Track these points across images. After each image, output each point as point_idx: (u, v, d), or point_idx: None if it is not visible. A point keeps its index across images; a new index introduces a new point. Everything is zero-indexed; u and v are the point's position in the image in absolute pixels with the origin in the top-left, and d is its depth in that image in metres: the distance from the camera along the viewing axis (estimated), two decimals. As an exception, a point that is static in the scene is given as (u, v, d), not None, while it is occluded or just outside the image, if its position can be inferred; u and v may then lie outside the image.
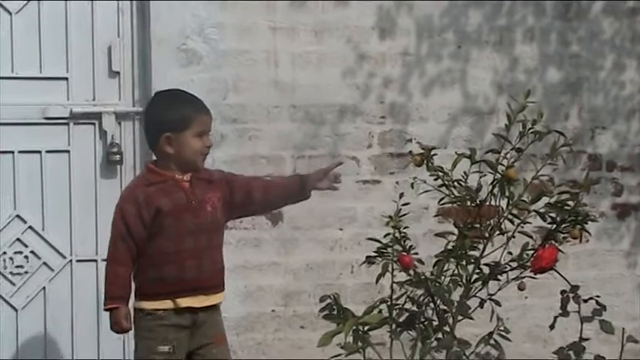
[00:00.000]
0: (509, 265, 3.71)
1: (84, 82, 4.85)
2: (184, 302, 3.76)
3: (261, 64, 4.96)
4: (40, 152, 4.80)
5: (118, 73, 4.87)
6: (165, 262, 3.75)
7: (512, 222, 3.71)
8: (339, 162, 4.10)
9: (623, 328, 3.39)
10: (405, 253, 3.59)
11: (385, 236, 3.67)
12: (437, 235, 3.83)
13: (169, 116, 3.78)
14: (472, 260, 3.70)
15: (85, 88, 4.85)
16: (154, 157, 3.87)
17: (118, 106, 4.87)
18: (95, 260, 4.84)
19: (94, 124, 4.85)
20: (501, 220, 3.69)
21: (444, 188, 3.74)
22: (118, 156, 4.84)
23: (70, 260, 4.86)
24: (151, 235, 3.75)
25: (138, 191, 3.78)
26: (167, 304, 3.76)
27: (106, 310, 3.77)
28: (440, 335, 3.62)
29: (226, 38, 4.90)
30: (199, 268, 3.77)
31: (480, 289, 3.72)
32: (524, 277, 3.69)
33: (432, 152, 3.76)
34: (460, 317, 3.62)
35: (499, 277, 3.72)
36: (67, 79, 4.84)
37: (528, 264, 3.65)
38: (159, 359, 3.76)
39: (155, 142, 3.81)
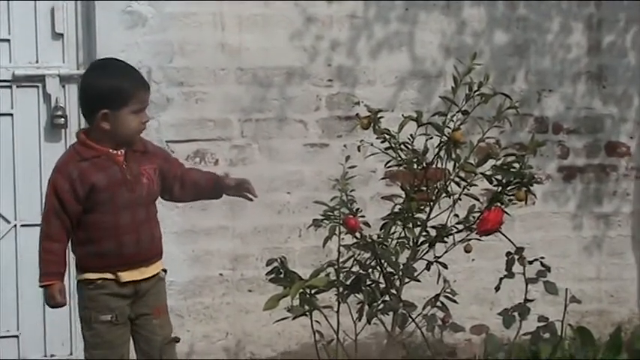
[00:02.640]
0: (456, 228, 3.73)
1: (26, 45, 4.77)
2: (125, 276, 3.73)
3: (207, 27, 4.91)
4: (-18, 115, 4.74)
5: (62, 35, 4.79)
6: (103, 237, 3.70)
7: (458, 185, 3.72)
8: (252, 194, 4.01)
9: (567, 289, 3.42)
10: (351, 216, 3.60)
11: (332, 199, 3.67)
12: (384, 198, 3.83)
13: (106, 93, 3.66)
14: (419, 223, 3.71)
15: (27, 51, 4.78)
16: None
17: (61, 68, 4.80)
18: (39, 225, 4.77)
19: (37, 87, 4.78)
20: (448, 183, 3.71)
21: (390, 151, 3.74)
22: (63, 119, 4.78)
23: (15, 225, 4.80)
24: (87, 210, 3.69)
25: (71, 166, 3.69)
26: (108, 275, 3.73)
27: (41, 286, 3.73)
28: (387, 298, 3.64)
29: (172, 1, 4.84)
30: (138, 242, 3.73)
31: (427, 252, 3.74)
32: (470, 240, 3.71)
33: (379, 115, 3.76)
34: (407, 280, 3.64)
35: (446, 239, 3.74)
36: (8, 40, 4.76)
37: (474, 226, 3.67)
38: (102, 328, 3.73)
39: (91, 116, 3.71)
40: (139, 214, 3.73)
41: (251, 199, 3.89)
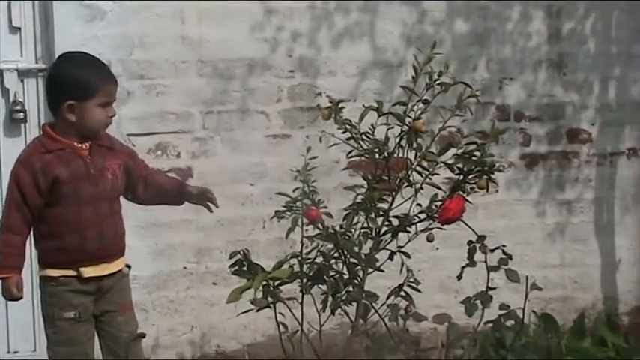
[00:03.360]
0: (418, 217, 3.73)
1: (-16, 39, 4.73)
2: (88, 272, 3.70)
3: (167, 19, 4.87)
4: (-60, 112, 4.69)
5: (19, 29, 4.74)
6: (66, 231, 3.67)
7: (420, 174, 3.73)
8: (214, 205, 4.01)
9: (527, 276, 3.44)
10: (312, 207, 3.59)
11: (294, 191, 3.66)
12: (346, 188, 3.83)
13: (74, 83, 3.65)
14: (381, 213, 3.72)
15: (-16, 45, 4.73)
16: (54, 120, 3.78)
17: (20, 62, 4.75)
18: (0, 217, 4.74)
19: (-5, 81, 4.75)
20: (410, 172, 3.71)
21: (352, 142, 3.74)
22: (22, 114, 4.73)
23: (-25, 221, 4.75)
24: (50, 204, 3.66)
25: (34, 158, 3.66)
26: (71, 272, 3.70)
27: None
28: (350, 288, 3.64)
29: (131, -7, 4.81)
30: (101, 237, 3.71)
31: (390, 242, 3.74)
32: (432, 229, 3.72)
33: (340, 105, 3.76)
34: (370, 270, 3.64)
35: (408, 229, 3.74)
36: (-34, 35, 4.72)
37: (437, 215, 3.68)
38: (65, 325, 3.71)
39: (57, 107, 3.69)
40: (102, 208, 3.70)
41: (211, 211, 3.88)
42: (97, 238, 3.69)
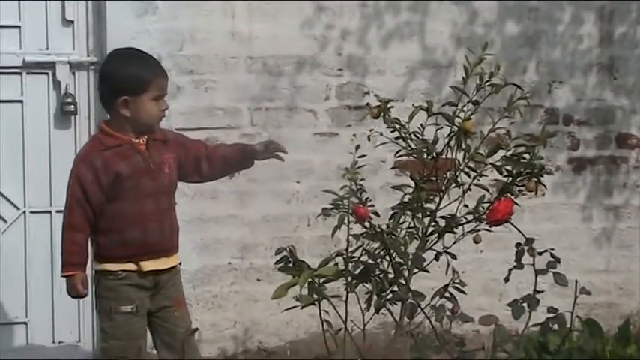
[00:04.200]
0: (465, 218, 3.72)
1: (37, 31, 4.76)
2: (148, 265, 3.75)
3: (217, 15, 4.89)
4: (-8, 102, 4.74)
5: (72, 22, 4.79)
6: (127, 225, 3.72)
7: (468, 175, 3.71)
8: (283, 152, 4.03)
9: (576, 280, 3.41)
10: (360, 206, 3.59)
11: (341, 189, 3.66)
12: (393, 187, 3.82)
13: (126, 79, 3.72)
14: (428, 213, 3.70)
15: (38, 37, 4.77)
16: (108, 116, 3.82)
17: (72, 55, 4.80)
18: (49, 212, 4.79)
19: (47, 73, 4.78)
20: (457, 173, 3.70)
21: (400, 141, 3.73)
22: (72, 106, 4.77)
23: (24, 212, 4.79)
24: (110, 200, 3.72)
25: (94, 156, 3.72)
26: (130, 266, 3.74)
27: (63, 276, 3.76)
28: (395, 288, 3.63)
29: (183, -12, 4.83)
30: (161, 231, 3.76)
31: (436, 242, 3.73)
32: (479, 230, 3.70)
33: (389, 105, 3.75)
34: (415, 270, 3.63)
35: (455, 229, 3.73)
36: (19, 27, 4.75)
37: (484, 217, 3.66)
38: (122, 319, 3.75)
39: (111, 104, 3.75)
40: (161, 202, 3.76)
41: (282, 159, 3.97)
42: (157, 232, 3.73)
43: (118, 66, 3.77)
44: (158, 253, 3.76)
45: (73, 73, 4.80)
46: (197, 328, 3.91)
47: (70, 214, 3.73)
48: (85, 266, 3.74)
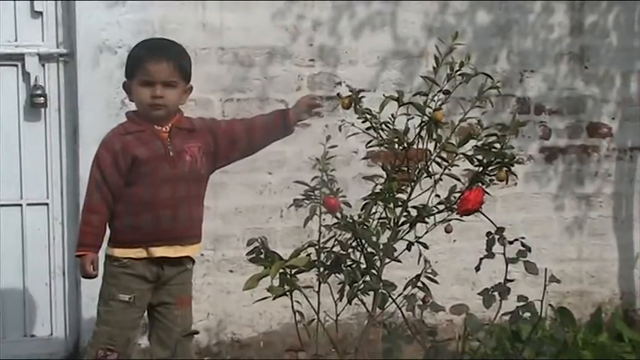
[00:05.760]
0: (437, 208, 3.71)
1: (5, 23, 4.73)
2: (158, 252, 3.76)
3: (188, 6, 4.88)
4: (-40, 94, 4.70)
5: (41, 13, 4.75)
6: (141, 210, 3.74)
7: (439, 165, 3.71)
8: (317, 104, 4.04)
9: (546, 269, 3.41)
10: (331, 196, 3.57)
11: (313, 180, 3.65)
12: (365, 178, 3.81)
13: (126, 64, 3.83)
14: (400, 203, 3.69)
15: (6, 29, 4.74)
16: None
17: (41, 47, 4.77)
18: (20, 205, 4.76)
19: (16, 65, 4.75)
20: (429, 163, 3.69)
21: (372, 131, 3.72)
22: (42, 99, 4.74)
23: (-6, 205, 4.78)
24: (128, 184, 3.74)
25: (115, 140, 3.77)
26: (140, 252, 3.76)
27: (76, 256, 3.80)
28: (367, 278, 3.63)
29: (153, -21, 4.80)
30: (175, 218, 3.76)
31: (408, 232, 3.72)
32: (451, 220, 3.70)
33: (361, 95, 3.74)
34: (387, 260, 3.63)
35: (427, 219, 3.72)
36: (-13, 19, 4.73)
37: (455, 207, 3.66)
38: (117, 307, 3.77)
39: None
40: (178, 190, 3.76)
41: (322, 114, 4.04)
42: (170, 219, 3.75)
43: (130, 52, 3.87)
44: (170, 241, 3.77)
45: (43, 65, 4.77)
46: (197, 332, 3.92)
47: (89, 195, 3.77)
48: (97, 248, 3.77)
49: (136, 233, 3.74)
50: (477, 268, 3.58)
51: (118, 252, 3.77)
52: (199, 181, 3.85)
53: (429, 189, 3.68)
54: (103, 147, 3.79)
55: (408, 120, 3.67)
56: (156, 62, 3.75)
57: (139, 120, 3.79)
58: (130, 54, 3.85)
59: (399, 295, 3.58)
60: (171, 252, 3.78)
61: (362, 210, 3.69)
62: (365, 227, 3.64)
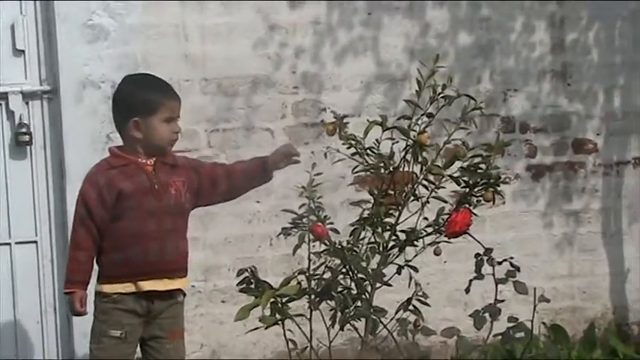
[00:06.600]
0: (425, 231, 3.72)
1: (-12, 62, 4.73)
2: (147, 285, 3.76)
3: (170, 38, 4.89)
4: (-55, 134, 4.69)
5: (23, 51, 4.76)
6: (128, 244, 3.74)
7: (426, 187, 3.72)
8: (295, 153, 4.05)
9: (535, 288, 3.42)
10: (318, 224, 3.58)
11: (301, 207, 3.65)
12: (352, 203, 3.82)
13: (138, 100, 3.79)
14: (388, 227, 3.70)
15: (-11, 68, 4.74)
16: (122, 142, 3.87)
17: (24, 85, 4.77)
18: (9, 244, 4.75)
19: (0, 104, 4.74)
20: (415, 186, 3.70)
21: (357, 157, 3.73)
22: (27, 136, 4.74)
23: (-18, 244, 4.76)
24: (114, 218, 3.75)
25: (99, 174, 3.79)
26: (129, 287, 3.75)
27: (64, 293, 3.81)
28: (359, 304, 3.63)
29: (133, 13, 4.81)
30: (163, 251, 3.77)
31: (398, 256, 3.73)
32: (439, 242, 3.70)
33: (345, 120, 3.75)
34: (378, 285, 3.63)
35: (416, 243, 3.73)
36: (-30, 59, 4.73)
37: (444, 229, 3.67)
38: (109, 343, 3.76)
39: (123, 126, 3.82)
40: (165, 223, 3.77)
41: (299, 161, 3.96)
42: (158, 252, 3.75)
43: (130, 89, 3.86)
44: (158, 274, 3.77)
45: (27, 103, 4.77)
46: None
47: (75, 232, 3.79)
48: (85, 284, 3.78)
49: (124, 268, 3.74)
50: (467, 290, 3.59)
51: (107, 288, 3.76)
52: (184, 215, 3.87)
53: (416, 212, 3.69)
54: (87, 182, 3.80)
55: (393, 144, 3.69)
56: (177, 99, 3.87)
57: (123, 154, 3.81)
58: (142, 91, 3.83)
59: (391, 320, 3.58)
60: (160, 285, 3.77)
61: (350, 235, 3.69)
62: (354, 253, 3.64)
